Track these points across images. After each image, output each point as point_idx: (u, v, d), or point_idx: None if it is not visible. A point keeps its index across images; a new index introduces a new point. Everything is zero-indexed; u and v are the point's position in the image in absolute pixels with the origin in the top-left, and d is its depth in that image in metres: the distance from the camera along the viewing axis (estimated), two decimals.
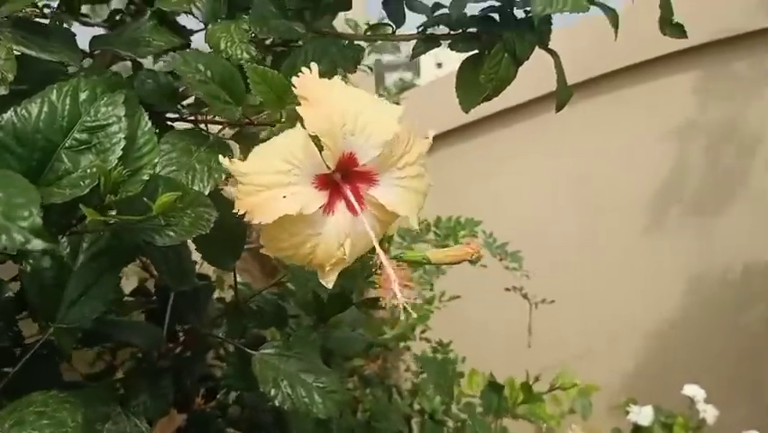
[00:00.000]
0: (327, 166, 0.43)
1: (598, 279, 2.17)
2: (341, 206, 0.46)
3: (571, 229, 2.16)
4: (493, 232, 1.57)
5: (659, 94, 2.04)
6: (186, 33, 0.67)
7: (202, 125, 0.65)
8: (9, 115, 0.40)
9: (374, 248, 0.50)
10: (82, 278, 0.51)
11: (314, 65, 0.45)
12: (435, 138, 0.51)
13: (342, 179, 0.46)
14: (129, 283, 1.14)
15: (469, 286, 1.65)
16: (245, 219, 0.42)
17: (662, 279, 2.16)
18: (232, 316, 0.72)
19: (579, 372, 1.60)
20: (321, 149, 0.43)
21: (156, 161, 0.45)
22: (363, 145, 0.45)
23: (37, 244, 0.28)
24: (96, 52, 0.73)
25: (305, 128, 0.42)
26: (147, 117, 0.46)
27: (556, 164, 2.14)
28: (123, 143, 0.42)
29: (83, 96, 0.42)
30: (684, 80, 2.03)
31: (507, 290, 1.62)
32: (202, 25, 0.68)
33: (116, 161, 0.42)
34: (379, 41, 0.82)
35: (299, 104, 0.43)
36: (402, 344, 1.65)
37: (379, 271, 0.79)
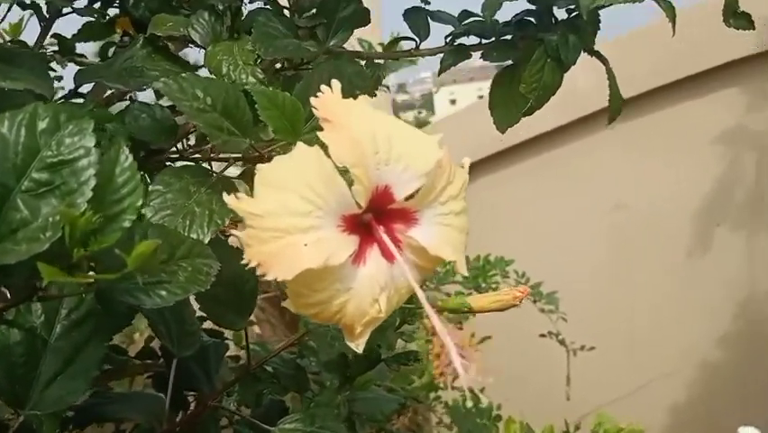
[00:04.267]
0: (358, 204, 0.34)
1: (637, 313, 2.04)
2: (374, 252, 0.37)
3: (607, 261, 2.05)
4: (525, 271, 1.47)
5: (699, 112, 1.94)
6: (184, 63, 0.59)
7: (206, 164, 0.57)
8: None
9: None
10: (60, 352, 0.42)
11: (335, 82, 0.37)
12: None
13: (375, 218, 0.37)
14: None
15: (500, 327, 1.54)
16: (258, 273, 0.33)
17: (708, 307, 2.03)
18: (244, 382, 0.62)
19: (620, 415, 1.47)
20: (349, 183, 0.35)
21: (139, 203, 0.36)
22: (400, 177, 0.36)
23: None
24: (88, 91, 0.66)
25: (327, 155, 0.34)
26: (127, 150, 0.37)
27: (587, 195, 2.04)
28: (93, 182, 0.33)
29: (42, 125, 0.34)
30: (725, 97, 1.93)
31: (543, 336, 1.51)
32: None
33: (86, 204, 0.33)
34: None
35: (320, 128, 0.35)
36: (432, 394, 1.53)
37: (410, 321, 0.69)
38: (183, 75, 0.45)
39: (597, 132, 1.96)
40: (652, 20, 1.87)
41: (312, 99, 0.36)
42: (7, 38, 0.82)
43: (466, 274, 0.41)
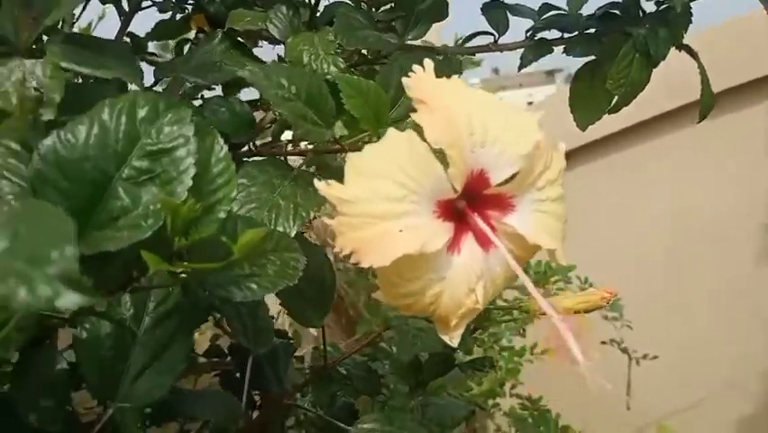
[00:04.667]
0: (454, 188, 0.33)
1: (700, 321, 1.97)
2: (469, 240, 0.35)
3: (669, 267, 1.98)
4: (587, 276, 1.43)
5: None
6: (260, 60, 0.59)
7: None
8: (51, 140, 0.31)
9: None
10: (148, 346, 0.41)
11: (427, 61, 0.35)
12: None
13: (469, 205, 0.35)
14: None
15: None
16: (351, 261, 0.31)
17: None
18: (319, 382, 0.61)
19: (681, 427, 1.42)
20: (444, 166, 0.33)
21: (233, 195, 0.35)
22: (497, 160, 0.34)
23: (70, 299, 0.19)
24: (165, 87, 0.66)
25: (423, 139, 0.32)
26: (222, 141, 0.36)
27: (651, 198, 1.98)
28: (192, 171, 0.32)
29: (142, 113, 0.33)
30: None
31: (604, 343, 1.46)
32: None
33: (186, 193, 0.32)
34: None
35: (414, 110, 0.33)
36: (491, 401, 1.50)
37: (486, 325, 0.67)
38: (267, 63, 0.44)
39: (665, 134, 1.91)
40: (722, 20, 1.81)
41: (404, 79, 0.34)
42: None
43: (564, 264, 0.38)
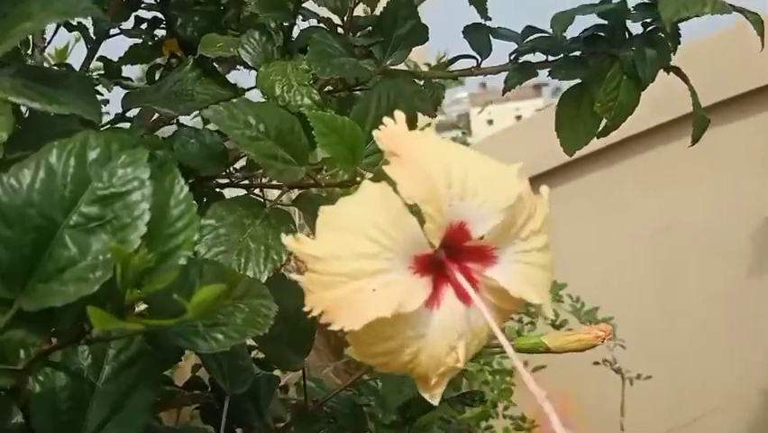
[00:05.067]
0: (431, 243, 0.31)
1: (694, 338, 1.95)
2: (449, 295, 0.33)
3: (658, 285, 1.97)
4: (579, 296, 1.41)
5: (755, 129, 1.87)
6: (233, 86, 0.57)
7: (257, 190, 0.54)
8: None
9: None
10: (107, 397, 0.38)
11: (398, 113, 0.33)
12: None
13: (449, 256, 0.33)
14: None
15: (553, 355, 1.48)
16: (321, 322, 0.29)
17: (764, 333, 1.93)
18: (301, 421, 0.59)
19: None
20: (421, 221, 0.31)
21: (195, 238, 0.33)
22: (477, 213, 0.32)
23: None
24: (134, 115, 0.64)
25: (396, 193, 0.30)
26: (182, 180, 0.34)
27: (639, 213, 1.96)
28: (147, 216, 0.30)
29: (93, 155, 0.31)
30: None
31: (597, 363, 1.44)
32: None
33: (139, 240, 0.30)
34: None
35: (387, 162, 0.31)
36: (483, 423, 1.48)
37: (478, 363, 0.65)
38: (234, 101, 0.42)
39: (645, 151, 1.90)
40: (706, 34, 1.81)
41: (375, 132, 0.32)
42: (53, 62, 0.81)
43: (552, 317, 0.36)
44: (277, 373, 0.76)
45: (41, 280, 0.29)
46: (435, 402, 0.34)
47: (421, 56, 1.34)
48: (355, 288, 0.29)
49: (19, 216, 0.29)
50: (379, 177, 0.32)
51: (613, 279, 1.97)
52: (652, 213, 1.98)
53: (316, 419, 0.59)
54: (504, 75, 0.59)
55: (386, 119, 0.33)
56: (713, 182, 1.93)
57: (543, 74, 0.59)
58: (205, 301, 0.26)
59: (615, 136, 1.97)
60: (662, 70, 0.58)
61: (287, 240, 0.29)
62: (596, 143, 1.91)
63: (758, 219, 1.93)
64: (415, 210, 0.31)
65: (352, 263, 0.29)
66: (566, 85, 0.60)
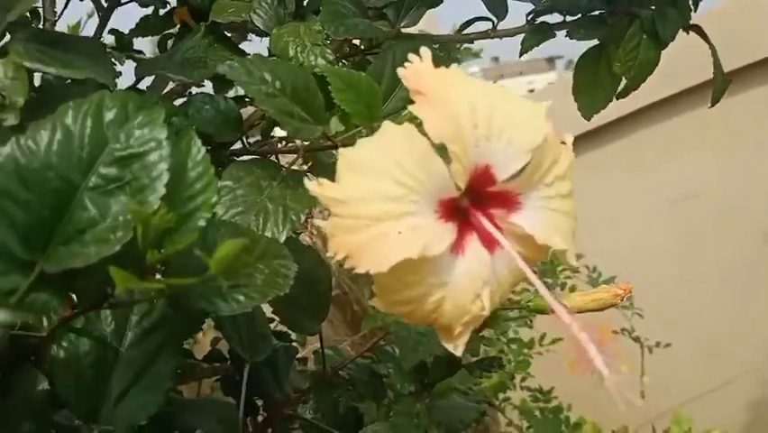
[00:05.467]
0: (457, 186, 0.30)
1: (712, 307, 1.94)
2: (473, 242, 0.32)
3: (680, 253, 1.95)
4: (595, 266, 1.40)
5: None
6: (246, 54, 0.56)
7: (273, 158, 0.54)
8: (9, 148, 0.29)
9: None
10: (131, 363, 0.38)
11: (425, 50, 0.32)
12: None
13: (473, 203, 0.32)
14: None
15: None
16: (345, 266, 0.29)
17: None
18: (320, 389, 0.59)
19: (697, 415, 1.39)
20: (446, 162, 0.30)
21: (214, 200, 0.32)
22: (503, 155, 0.32)
23: None
24: (148, 86, 0.63)
25: (423, 134, 0.30)
26: (199, 142, 0.33)
27: (661, 182, 1.94)
28: (166, 177, 0.30)
29: (109, 115, 0.30)
30: None
31: (615, 332, 1.43)
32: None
33: (159, 202, 0.29)
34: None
35: (412, 102, 0.30)
36: (501, 395, 1.48)
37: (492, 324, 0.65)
38: (249, 57, 0.41)
39: (664, 120, 1.87)
40: (723, 2, 1.77)
41: (399, 70, 0.31)
42: None
43: (575, 264, 0.35)
44: (295, 346, 0.76)
45: (61, 243, 0.29)
46: (459, 353, 0.33)
47: (432, 27, 1.32)
48: (380, 231, 0.28)
49: (38, 178, 0.29)
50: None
51: (632, 248, 1.95)
52: (668, 183, 1.96)
53: (335, 386, 0.59)
54: (516, 50, 0.58)
55: (411, 56, 0.32)
56: (732, 150, 1.90)
57: (556, 46, 0.58)
58: (227, 256, 0.26)
59: (632, 105, 1.95)
60: (682, 31, 0.57)
61: (310, 184, 0.28)
62: (612, 113, 1.88)
63: None
64: (440, 152, 0.30)
65: (378, 206, 0.28)
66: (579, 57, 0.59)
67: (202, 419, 0.56)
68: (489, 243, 0.32)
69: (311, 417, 0.60)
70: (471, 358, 0.66)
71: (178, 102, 0.61)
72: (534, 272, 0.36)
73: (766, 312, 1.93)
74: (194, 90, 0.66)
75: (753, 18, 1.79)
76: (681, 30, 0.57)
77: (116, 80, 0.48)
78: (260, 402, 0.69)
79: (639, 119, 1.91)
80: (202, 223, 0.32)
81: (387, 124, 0.31)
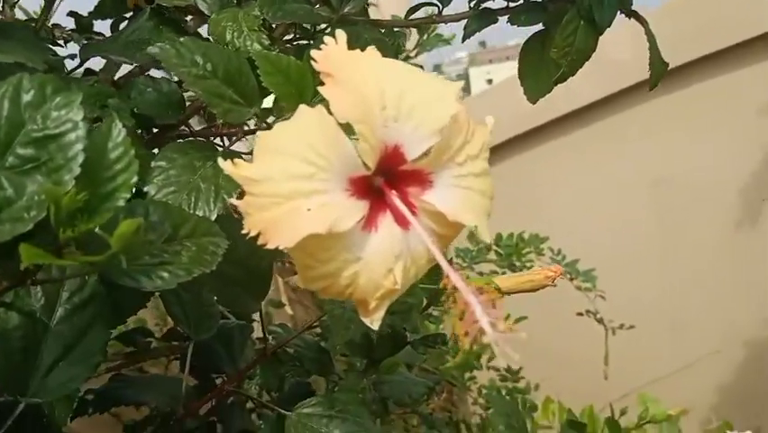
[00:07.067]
0: (365, 165, 0.31)
1: (680, 290, 1.97)
2: (386, 219, 0.34)
3: (649, 237, 1.98)
4: (561, 248, 1.42)
5: (745, 82, 1.85)
6: (192, 35, 0.56)
7: (218, 141, 0.55)
8: None
9: (431, 272, 0.37)
10: (60, 337, 0.39)
11: (340, 32, 0.33)
12: (492, 150, 0.39)
13: (386, 182, 0.34)
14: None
15: (536, 307, 1.50)
16: (259, 243, 0.30)
17: (754, 283, 1.95)
18: (265, 365, 0.60)
19: (662, 396, 1.42)
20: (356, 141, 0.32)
21: (134, 180, 0.33)
22: (411, 135, 0.33)
23: None
24: (101, 68, 0.64)
25: (331, 114, 0.31)
26: (120, 125, 0.34)
27: (627, 169, 1.97)
28: (81, 158, 0.31)
29: (27, 97, 0.31)
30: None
31: (580, 314, 1.46)
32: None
33: (74, 181, 0.31)
34: (425, 37, 0.71)
35: (322, 83, 0.32)
36: (467, 374, 1.50)
37: (443, 301, 0.66)
38: (181, 39, 0.42)
39: (637, 104, 1.89)
40: None
41: (312, 52, 0.33)
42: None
43: (488, 241, 0.37)
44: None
45: None
46: (375, 327, 0.35)
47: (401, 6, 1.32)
48: (290, 208, 0.30)
49: None
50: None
51: (606, 231, 1.98)
52: (646, 166, 1.98)
53: (281, 361, 0.61)
54: (505, 35, 0.60)
55: (326, 38, 0.33)
56: (702, 135, 1.93)
57: None
58: (125, 234, 0.27)
59: (603, 91, 1.96)
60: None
61: (224, 164, 0.29)
62: (595, 94, 1.89)
63: (753, 170, 1.93)
64: (351, 131, 0.31)
65: (288, 184, 0.30)
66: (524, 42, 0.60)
67: (146, 393, 0.57)
68: (402, 220, 0.34)
69: (256, 392, 0.61)
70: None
71: None
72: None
73: (736, 293, 1.96)
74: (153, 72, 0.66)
75: (725, 3, 1.80)
76: (625, 17, 0.58)
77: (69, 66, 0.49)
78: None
79: (614, 103, 1.93)
80: (121, 202, 0.33)
81: (302, 108, 0.32)
